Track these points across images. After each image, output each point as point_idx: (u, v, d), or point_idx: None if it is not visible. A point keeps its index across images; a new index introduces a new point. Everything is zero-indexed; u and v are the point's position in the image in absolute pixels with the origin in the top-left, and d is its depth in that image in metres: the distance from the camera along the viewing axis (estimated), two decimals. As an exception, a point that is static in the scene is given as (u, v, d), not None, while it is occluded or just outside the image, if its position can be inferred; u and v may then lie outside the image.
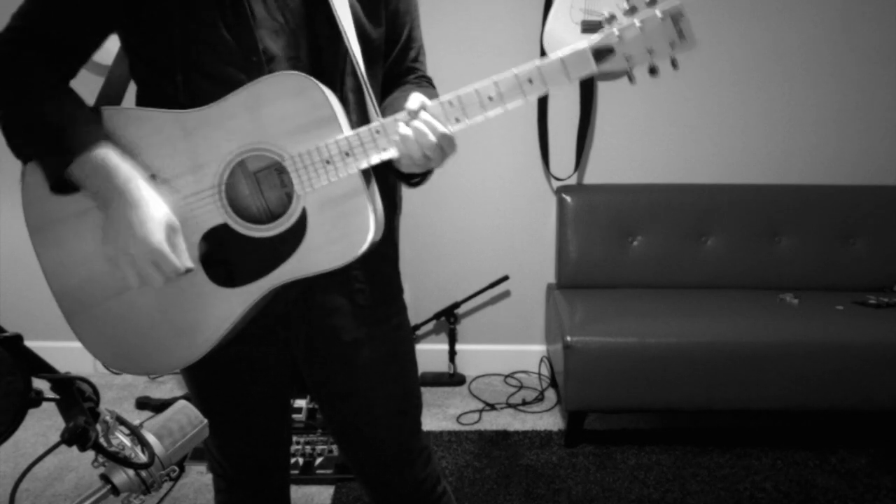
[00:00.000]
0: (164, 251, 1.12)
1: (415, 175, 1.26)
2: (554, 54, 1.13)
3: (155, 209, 1.13)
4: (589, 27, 2.85)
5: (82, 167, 1.13)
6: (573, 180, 3.20)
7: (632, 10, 1.12)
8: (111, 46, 1.23)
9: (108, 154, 1.13)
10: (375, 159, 1.16)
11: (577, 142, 3.15)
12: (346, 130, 1.16)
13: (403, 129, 1.14)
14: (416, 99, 1.15)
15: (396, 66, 1.33)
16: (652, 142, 3.18)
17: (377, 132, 1.15)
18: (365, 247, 1.16)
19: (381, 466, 1.40)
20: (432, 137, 1.13)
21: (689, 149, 3.18)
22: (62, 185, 1.17)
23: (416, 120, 1.14)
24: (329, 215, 1.16)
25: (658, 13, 1.11)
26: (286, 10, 1.20)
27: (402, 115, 1.15)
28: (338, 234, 1.16)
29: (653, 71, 1.13)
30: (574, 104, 3.12)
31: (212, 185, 1.17)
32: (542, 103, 3.13)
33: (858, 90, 3.11)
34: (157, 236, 1.12)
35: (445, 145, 1.15)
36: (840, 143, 3.16)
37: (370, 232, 1.16)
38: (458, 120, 1.15)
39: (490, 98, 1.14)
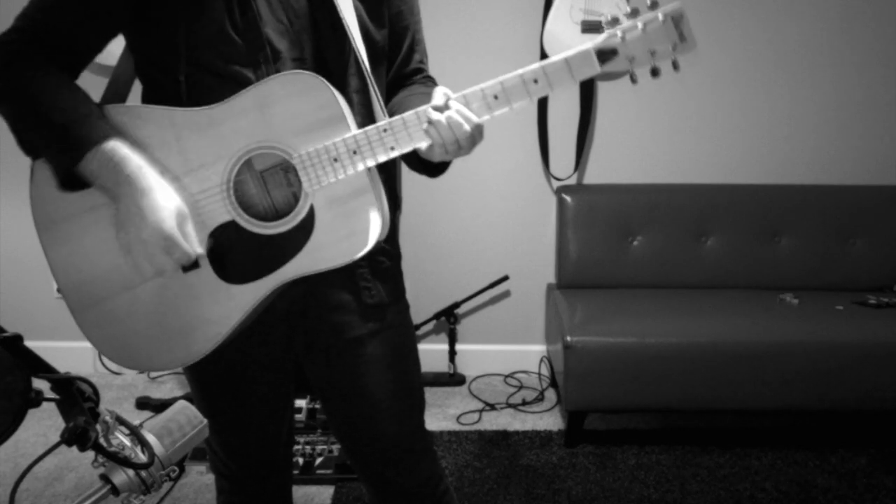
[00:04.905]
0: (175, 237, 1.13)
1: (436, 166, 1.29)
2: (559, 55, 1.14)
3: (165, 197, 1.14)
4: (589, 27, 2.85)
5: (92, 161, 1.13)
6: (573, 180, 3.20)
7: (634, 13, 1.15)
8: (114, 48, 1.24)
9: (116, 146, 1.14)
10: (382, 157, 1.18)
11: (577, 142, 3.15)
12: (354, 129, 1.17)
13: (436, 116, 1.15)
14: (440, 93, 1.17)
15: (403, 67, 1.35)
16: (652, 142, 3.18)
17: (384, 131, 1.17)
18: (372, 243, 1.17)
19: (383, 465, 1.40)
20: (467, 127, 1.15)
21: (689, 149, 3.18)
22: (71, 181, 1.17)
23: (450, 110, 1.15)
24: (337, 212, 1.17)
25: (659, 15, 1.13)
26: (291, 10, 1.21)
27: (431, 106, 1.16)
28: (345, 231, 1.17)
29: (655, 72, 1.16)
30: (574, 104, 3.12)
31: (220, 183, 1.18)
32: (542, 103, 3.13)
33: (858, 90, 3.11)
34: (169, 223, 1.13)
35: (477, 134, 1.18)
36: (840, 143, 3.16)
37: (377, 229, 1.17)
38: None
39: (495, 97, 1.16)
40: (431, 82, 1.38)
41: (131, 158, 1.14)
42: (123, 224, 1.16)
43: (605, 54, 1.15)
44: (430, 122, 1.15)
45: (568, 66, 1.15)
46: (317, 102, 1.15)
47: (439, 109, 1.15)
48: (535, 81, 1.15)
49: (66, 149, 1.14)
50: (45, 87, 1.16)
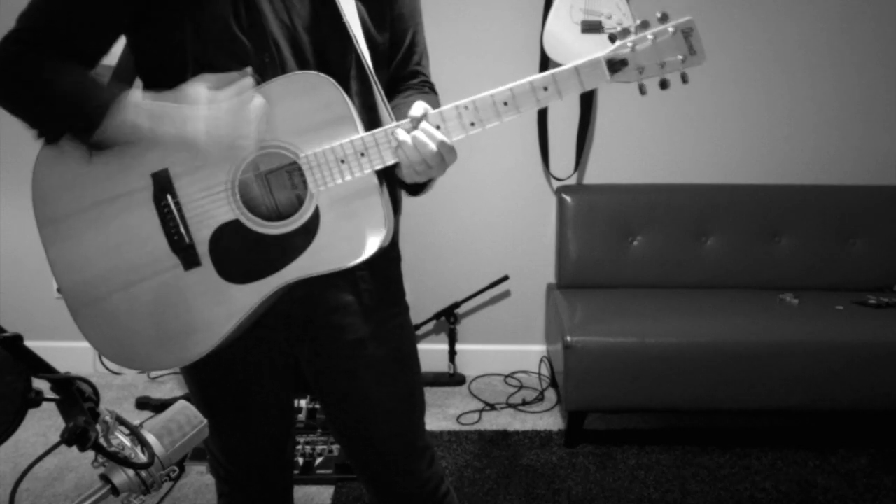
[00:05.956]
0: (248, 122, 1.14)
1: (416, 185, 1.27)
2: (569, 64, 1.15)
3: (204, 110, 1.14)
4: (589, 27, 2.85)
5: (118, 113, 1.13)
6: (573, 180, 3.20)
7: (644, 25, 1.16)
8: (114, 47, 1.23)
9: (133, 94, 1.15)
10: (390, 160, 1.17)
11: (577, 142, 3.15)
12: (361, 129, 1.17)
13: (402, 136, 1.15)
14: (419, 106, 1.16)
15: (400, 69, 1.34)
16: (652, 142, 3.18)
17: (393, 133, 1.16)
18: (377, 246, 1.17)
19: (384, 466, 1.40)
20: (433, 146, 1.14)
21: (689, 149, 3.18)
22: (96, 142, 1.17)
23: (416, 129, 1.15)
24: (342, 214, 1.17)
25: (670, 28, 1.15)
26: (294, 11, 1.20)
27: (405, 122, 1.16)
28: (350, 233, 1.17)
29: (664, 84, 1.17)
30: (574, 104, 3.12)
31: (225, 181, 1.18)
32: (542, 103, 3.12)
33: (858, 90, 3.11)
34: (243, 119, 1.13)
35: (446, 153, 1.16)
36: (840, 143, 3.15)
37: (382, 232, 1.17)
38: (473, 124, 1.17)
39: (505, 104, 1.17)
40: (429, 87, 1.37)
41: (146, 102, 1.15)
42: (190, 143, 1.15)
43: (615, 64, 1.16)
44: (398, 140, 1.15)
45: (578, 74, 1.16)
46: (323, 102, 1.15)
47: (414, 124, 1.15)
48: (545, 89, 1.16)
49: (88, 111, 1.13)
50: (53, 73, 1.15)
